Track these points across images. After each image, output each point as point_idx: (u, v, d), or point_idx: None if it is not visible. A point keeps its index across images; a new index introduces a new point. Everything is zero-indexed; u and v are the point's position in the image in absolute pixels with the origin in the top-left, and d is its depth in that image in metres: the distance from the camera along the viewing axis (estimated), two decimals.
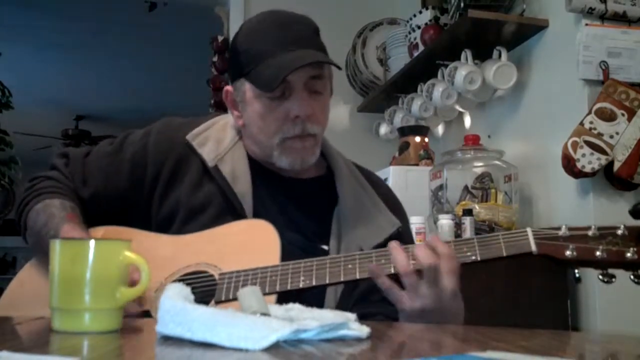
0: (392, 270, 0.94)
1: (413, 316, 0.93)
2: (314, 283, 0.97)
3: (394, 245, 0.96)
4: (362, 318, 1.06)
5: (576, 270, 0.96)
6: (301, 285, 0.96)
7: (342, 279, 0.97)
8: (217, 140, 1.19)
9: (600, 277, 0.93)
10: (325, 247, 1.13)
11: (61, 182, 1.19)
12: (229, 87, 1.21)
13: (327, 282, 0.97)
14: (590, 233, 0.93)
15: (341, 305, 1.10)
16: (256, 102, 1.13)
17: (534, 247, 0.93)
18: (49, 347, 0.68)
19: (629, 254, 0.91)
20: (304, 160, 1.15)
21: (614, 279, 0.92)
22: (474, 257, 0.95)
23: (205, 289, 1.00)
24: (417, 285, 0.92)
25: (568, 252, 0.92)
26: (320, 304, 1.08)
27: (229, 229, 1.08)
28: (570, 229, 0.94)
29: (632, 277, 0.92)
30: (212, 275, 1.02)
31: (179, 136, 1.19)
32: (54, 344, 0.70)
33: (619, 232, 0.92)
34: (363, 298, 1.07)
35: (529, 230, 0.95)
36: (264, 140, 1.15)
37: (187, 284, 0.76)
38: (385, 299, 0.97)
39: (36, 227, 1.12)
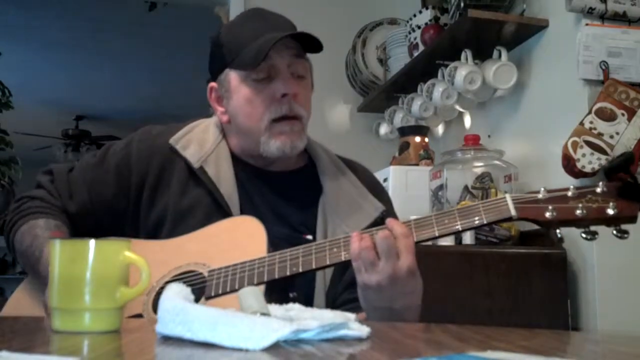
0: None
1: (369, 289, 0.96)
2: (300, 269, 0.98)
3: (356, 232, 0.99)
4: (351, 302, 1.07)
5: (558, 231, 0.96)
6: (288, 272, 0.98)
7: (327, 263, 0.99)
8: (200, 142, 1.21)
9: (583, 235, 0.94)
10: (311, 237, 1.15)
11: (47, 201, 1.20)
12: (212, 84, 1.23)
13: (314, 266, 0.99)
14: (569, 193, 0.93)
15: (331, 291, 1.13)
16: (242, 87, 1.16)
17: (513, 212, 0.94)
18: (49, 347, 0.68)
19: (609, 210, 0.91)
20: (293, 144, 1.16)
21: (596, 236, 0.93)
22: (456, 227, 0.96)
23: (196, 287, 1.01)
24: (375, 260, 0.95)
25: (548, 214, 0.93)
26: (310, 291, 1.11)
27: (216, 228, 1.10)
28: (549, 191, 0.95)
29: (614, 232, 0.93)
30: (201, 274, 1.03)
31: (161, 142, 1.20)
32: (54, 344, 0.70)
33: (598, 189, 0.93)
34: (352, 283, 1.08)
35: (507, 196, 0.96)
36: (252, 126, 1.16)
37: None
38: None
39: (22, 249, 1.14)
